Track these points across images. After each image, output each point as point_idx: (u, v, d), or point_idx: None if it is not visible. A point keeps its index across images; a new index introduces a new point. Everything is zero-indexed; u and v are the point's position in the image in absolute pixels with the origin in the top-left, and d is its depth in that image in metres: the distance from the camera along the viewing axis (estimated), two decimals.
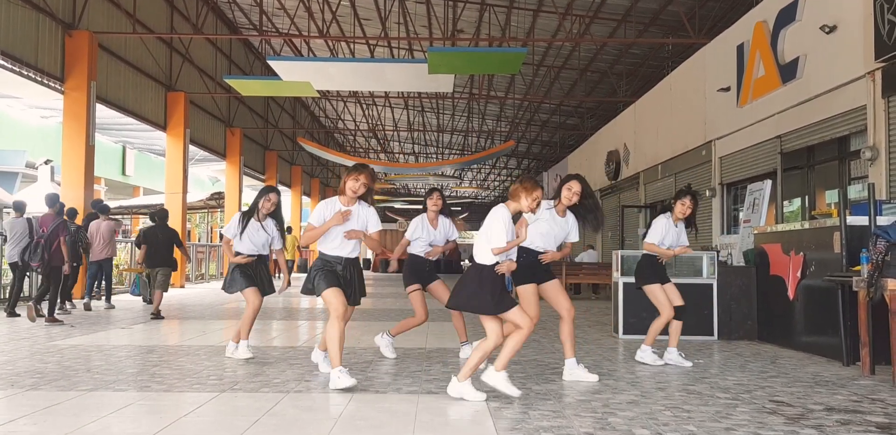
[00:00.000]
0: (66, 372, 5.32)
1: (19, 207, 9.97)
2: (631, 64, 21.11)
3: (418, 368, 5.59)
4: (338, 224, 4.94)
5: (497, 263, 4.52)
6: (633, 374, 5.53)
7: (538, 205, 4.71)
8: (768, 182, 9.86)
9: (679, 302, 5.99)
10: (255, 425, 3.77)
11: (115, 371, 5.37)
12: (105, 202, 11.90)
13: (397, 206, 45.90)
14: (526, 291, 5.15)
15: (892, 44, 7.78)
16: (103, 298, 11.66)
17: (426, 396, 4.55)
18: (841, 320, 6.02)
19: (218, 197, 24.08)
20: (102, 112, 16.12)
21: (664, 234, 6.12)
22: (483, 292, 4.45)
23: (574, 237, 5.48)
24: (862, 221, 6.10)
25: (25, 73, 12.94)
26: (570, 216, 5.41)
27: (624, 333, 7.94)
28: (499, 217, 4.56)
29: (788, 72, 10.12)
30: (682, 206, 6.19)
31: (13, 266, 9.86)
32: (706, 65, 13.38)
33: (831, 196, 10.03)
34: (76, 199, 13.85)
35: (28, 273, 10.41)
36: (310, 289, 5.05)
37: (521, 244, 4.75)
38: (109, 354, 6.32)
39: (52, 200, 9.71)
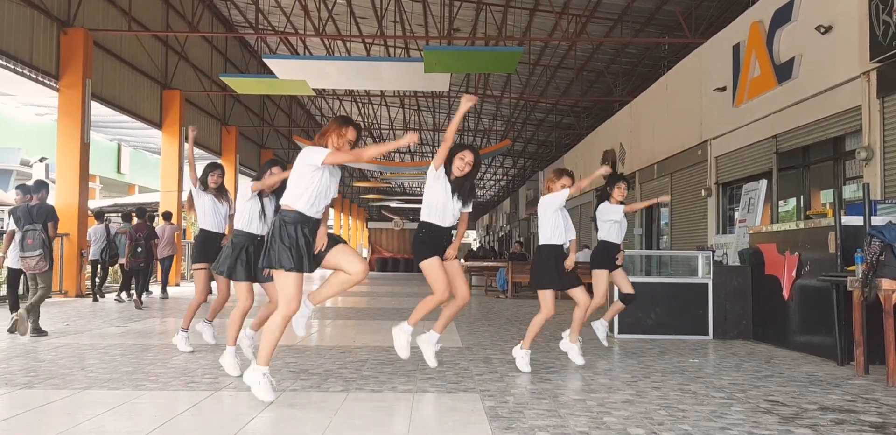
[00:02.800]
0: (61, 370, 5.31)
1: (141, 214, 12.16)
2: (627, 63, 21.12)
3: (413, 367, 5.59)
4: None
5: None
6: (628, 373, 5.54)
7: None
8: (763, 182, 9.88)
9: (629, 290, 6.58)
10: (250, 424, 3.77)
11: (110, 369, 5.36)
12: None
13: (393, 205, 45.87)
14: (430, 265, 4.93)
15: (888, 44, 7.80)
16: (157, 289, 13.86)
17: (421, 395, 4.55)
18: (835, 320, 6.04)
19: None
20: (98, 110, 16.08)
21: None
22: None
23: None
24: (857, 221, 6.11)
25: (20, 70, 12.89)
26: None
27: (619, 332, 7.94)
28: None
29: (784, 72, 10.13)
30: (619, 190, 6.63)
31: (94, 262, 12.57)
32: (702, 65, 13.39)
33: (826, 196, 10.06)
34: (71, 197, 13.82)
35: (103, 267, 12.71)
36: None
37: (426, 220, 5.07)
38: (104, 352, 6.30)
39: (142, 212, 11.95)
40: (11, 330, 7.15)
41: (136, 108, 17.54)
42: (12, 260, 8.02)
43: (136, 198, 25.86)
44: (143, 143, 25.59)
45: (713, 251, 8.75)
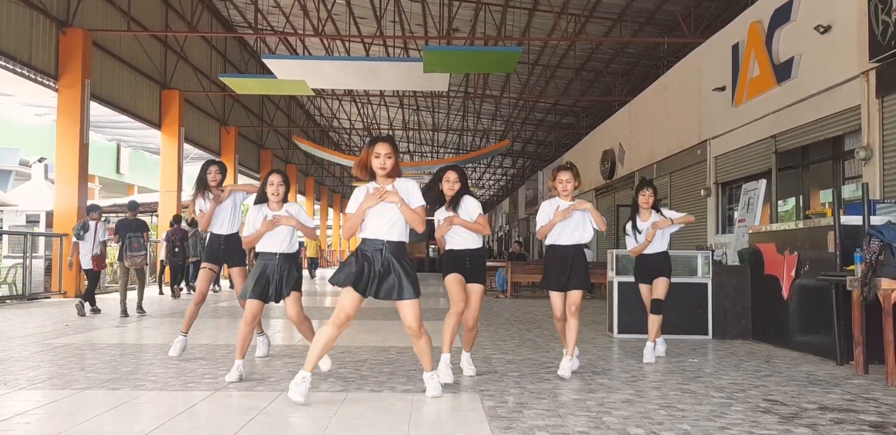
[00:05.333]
0: (60, 371, 5.31)
1: (178, 220, 14.35)
2: (626, 63, 21.13)
3: (413, 367, 5.59)
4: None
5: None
6: (627, 373, 5.53)
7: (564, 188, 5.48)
8: (763, 181, 9.88)
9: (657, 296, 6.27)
10: (249, 424, 3.76)
11: (110, 370, 5.36)
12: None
13: None
14: (448, 280, 5.16)
15: (887, 44, 7.80)
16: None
17: (420, 395, 4.54)
18: (835, 320, 6.04)
19: None
20: (97, 110, 16.08)
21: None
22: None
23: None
24: (856, 220, 6.11)
25: (19, 70, 12.89)
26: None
27: (619, 332, 7.94)
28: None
29: (783, 72, 10.14)
30: (643, 197, 6.36)
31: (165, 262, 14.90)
32: (701, 64, 13.39)
33: (825, 196, 10.06)
34: (70, 198, 13.81)
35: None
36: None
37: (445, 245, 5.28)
38: (103, 352, 6.30)
39: (178, 219, 14.36)
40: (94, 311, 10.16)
41: (135, 109, 17.54)
42: (86, 262, 10.14)
43: (136, 198, 25.86)
44: (142, 143, 25.59)
45: (712, 251, 8.75)
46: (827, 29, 9.08)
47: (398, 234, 4.40)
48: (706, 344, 7.46)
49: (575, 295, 5.39)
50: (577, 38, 17.25)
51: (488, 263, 17.87)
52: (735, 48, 11.69)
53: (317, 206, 42.55)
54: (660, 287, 6.23)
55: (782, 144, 10.54)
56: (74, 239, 10.14)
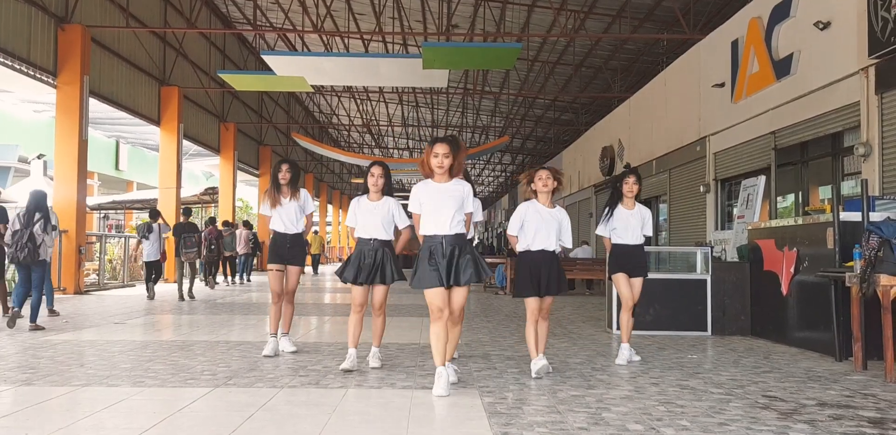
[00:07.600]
0: (60, 367, 5.31)
1: (213, 222, 16.08)
2: (626, 59, 21.10)
3: (412, 364, 5.59)
4: None
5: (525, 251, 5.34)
6: (626, 369, 5.54)
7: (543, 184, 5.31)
8: (762, 178, 9.88)
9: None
10: (249, 420, 3.77)
11: (109, 366, 5.36)
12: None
13: None
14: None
15: (886, 40, 7.80)
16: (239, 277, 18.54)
17: (420, 392, 4.55)
18: (834, 316, 6.05)
19: (212, 192, 24.04)
20: (95, 106, 16.05)
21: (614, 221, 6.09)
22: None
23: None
24: (855, 216, 6.12)
25: (18, 67, 12.86)
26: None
27: (618, 329, 7.93)
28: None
29: (782, 68, 10.13)
30: (626, 186, 6.01)
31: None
32: (701, 61, 13.38)
33: (825, 192, 10.06)
34: (69, 194, 13.79)
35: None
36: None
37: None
38: (103, 349, 6.30)
39: (213, 220, 16.20)
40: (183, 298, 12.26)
41: (135, 105, 17.51)
42: (147, 255, 12.31)
43: (135, 195, 25.83)
44: (141, 139, 25.56)
45: (712, 247, 8.75)
46: (826, 25, 9.08)
47: (456, 228, 4.71)
48: (705, 340, 7.47)
49: (549, 299, 5.34)
50: (576, 35, 17.22)
51: (488, 260, 17.97)
52: (734, 44, 11.68)
53: (316, 203, 42.54)
54: (637, 289, 5.98)
55: (781, 141, 10.54)
56: (139, 238, 12.54)
